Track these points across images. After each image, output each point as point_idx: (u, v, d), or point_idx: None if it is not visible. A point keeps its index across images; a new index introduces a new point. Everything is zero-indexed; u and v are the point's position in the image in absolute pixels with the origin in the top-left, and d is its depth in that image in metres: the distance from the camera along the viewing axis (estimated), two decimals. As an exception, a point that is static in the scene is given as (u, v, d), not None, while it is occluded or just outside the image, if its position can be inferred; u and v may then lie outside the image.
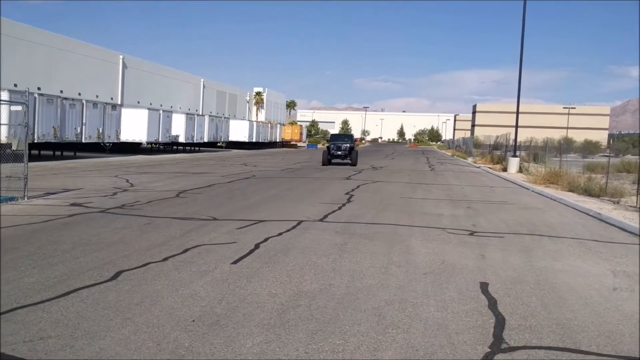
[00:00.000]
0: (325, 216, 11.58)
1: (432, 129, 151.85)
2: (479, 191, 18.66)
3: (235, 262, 7.25)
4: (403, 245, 8.82)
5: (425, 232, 10.13)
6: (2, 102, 19.28)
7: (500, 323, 5.23)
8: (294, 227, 10.08)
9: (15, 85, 34.18)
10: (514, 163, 29.07)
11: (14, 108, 19.01)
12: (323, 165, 30.54)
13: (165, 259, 7.31)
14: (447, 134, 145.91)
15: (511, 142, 33.45)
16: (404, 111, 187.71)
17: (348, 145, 31.82)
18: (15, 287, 5.83)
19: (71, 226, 9.75)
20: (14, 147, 18.51)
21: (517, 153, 31.00)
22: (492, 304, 5.85)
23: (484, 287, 6.50)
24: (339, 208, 12.94)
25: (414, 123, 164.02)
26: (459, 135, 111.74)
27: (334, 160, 31.80)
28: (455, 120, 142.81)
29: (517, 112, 30.82)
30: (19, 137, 20.87)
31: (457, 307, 5.70)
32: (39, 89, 35.86)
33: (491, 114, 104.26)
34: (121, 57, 53.50)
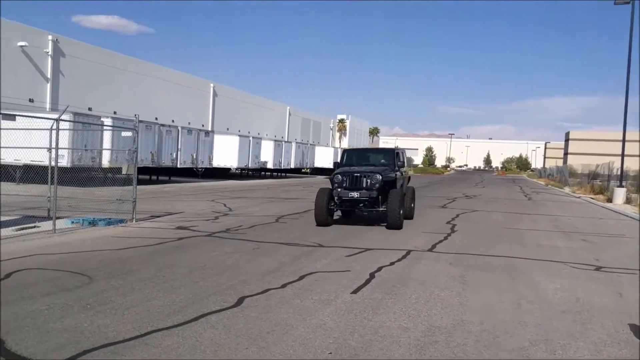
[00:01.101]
0: (434, 246, 11.14)
1: (521, 156, 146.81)
2: (589, 223, 17.50)
3: (355, 292, 6.99)
4: (527, 279, 8.25)
5: (545, 265, 9.47)
6: (115, 128, 20.30)
7: (671, 373, 4.63)
8: (404, 257, 9.72)
9: (114, 112, 36.04)
10: (620, 193, 27.27)
11: (124, 134, 19.99)
12: (318, 224, 13.71)
13: (284, 286, 7.17)
14: (536, 162, 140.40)
15: (615, 172, 31.51)
16: (490, 138, 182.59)
17: (378, 176, 13.93)
18: (146, 310, 5.84)
19: (183, 249, 9.89)
20: (124, 172, 19.40)
21: (623, 183, 29.11)
22: (652, 350, 5.23)
23: (634, 329, 5.86)
24: (445, 238, 12.45)
25: (501, 150, 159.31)
26: (550, 163, 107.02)
27: (343, 208, 14.70)
28: (545, 148, 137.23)
29: (624, 140, 29.06)
30: (128, 162, 21.93)
31: (612, 351, 5.14)
32: (135, 115, 37.55)
33: (585, 142, 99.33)
34: (212, 85, 55.49)
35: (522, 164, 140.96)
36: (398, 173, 15.12)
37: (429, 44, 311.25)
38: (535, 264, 9.61)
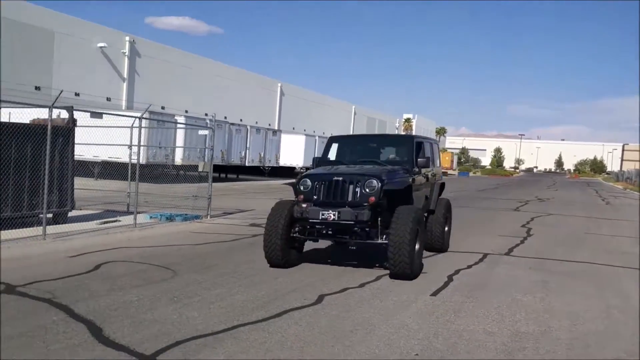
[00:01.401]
0: (510, 250, 10.84)
1: (595, 159, 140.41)
2: (675, 229, 16.54)
3: (434, 294, 6.90)
4: (614, 287, 7.90)
5: (632, 273, 9.02)
6: (190, 126, 20.88)
7: None
8: (481, 260, 9.52)
9: (186, 111, 36.97)
10: None
11: (201, 132, 20.63)
12: (272, 265, 7.99)
13: (362, 285, 7.17)
14: (612, 165, 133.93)
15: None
16: (563, 139, 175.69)
17: (375, 181, 7.84)
18: (230, 305, 5.98)
19: (258, 246, 9.97)
20: (200, 169, 20.02)
21: None
22: None
23: None
24: (522, 242, 12.09)
25: (574, 152, 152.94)
26: (628, 166, 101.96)
27: (313, 238, 8.46)
28: (623, 150, 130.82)
29: None
30: (200, 159, 22.59)
31: None
32: (206, 114, 38.48)
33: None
34: (279, 84, 56.09)
35: (596, 166, 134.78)
36: (420, 177, 9.27)
37: (497, 43, 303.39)
38: (621, 271, 9.20)
